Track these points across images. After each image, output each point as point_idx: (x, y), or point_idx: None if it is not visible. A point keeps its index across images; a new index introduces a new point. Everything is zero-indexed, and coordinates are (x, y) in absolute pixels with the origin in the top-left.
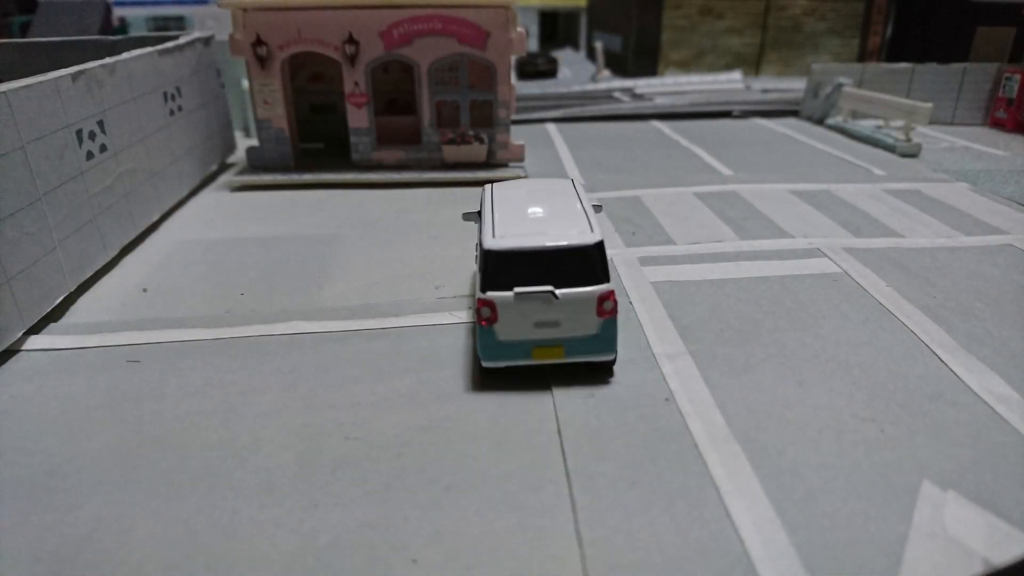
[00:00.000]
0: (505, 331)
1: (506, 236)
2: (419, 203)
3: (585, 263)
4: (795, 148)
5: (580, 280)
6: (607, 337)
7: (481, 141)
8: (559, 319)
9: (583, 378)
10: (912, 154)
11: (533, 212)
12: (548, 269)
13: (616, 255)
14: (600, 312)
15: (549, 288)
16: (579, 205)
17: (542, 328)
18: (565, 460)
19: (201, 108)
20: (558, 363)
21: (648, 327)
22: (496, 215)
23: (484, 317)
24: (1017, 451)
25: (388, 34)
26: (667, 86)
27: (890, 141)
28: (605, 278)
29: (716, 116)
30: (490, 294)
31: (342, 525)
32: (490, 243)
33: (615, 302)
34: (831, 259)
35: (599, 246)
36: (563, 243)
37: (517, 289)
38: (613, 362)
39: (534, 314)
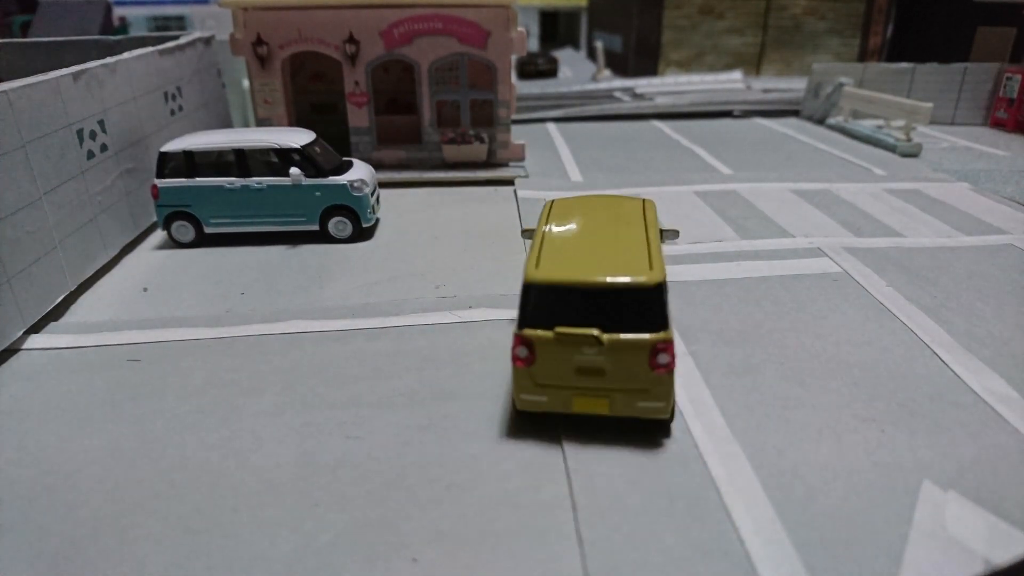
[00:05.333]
0: None
1: None
2: (419, 203)
3: None
4: (796, 148)
5: None
6: None
7: (481, 141)
8: None
9: None
10: (913, 154)
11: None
12: None
13: None
14: None
15: None
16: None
17: None
18: (565, 459)
19: (202, 108)
20: None
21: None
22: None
23: None
24: (1017, 451)
25: (388, 34)
26: (667, 86)
27: (891, 141)
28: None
29: (717, 116)
30: None
31: (342, 524)
32: None
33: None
34: (832, 259)
35: None
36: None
37: None
38: None
39: None
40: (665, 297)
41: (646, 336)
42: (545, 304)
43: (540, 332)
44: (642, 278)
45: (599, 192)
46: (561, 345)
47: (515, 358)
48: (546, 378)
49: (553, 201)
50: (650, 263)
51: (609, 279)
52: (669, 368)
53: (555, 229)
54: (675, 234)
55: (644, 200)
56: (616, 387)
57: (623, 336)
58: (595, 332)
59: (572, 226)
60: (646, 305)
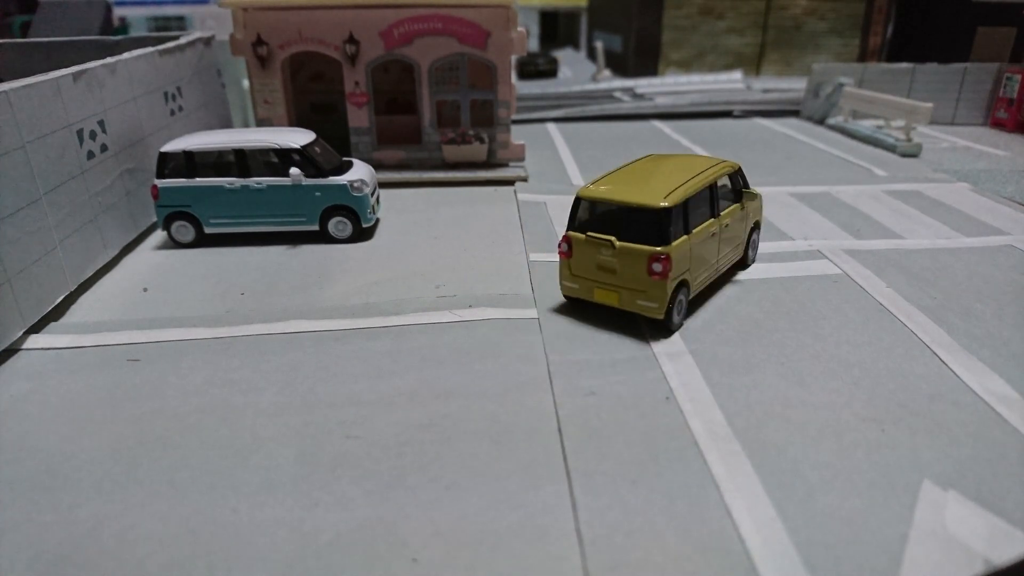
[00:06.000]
0: None
1: None
2: (419, 203)
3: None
4: (796, 148)
5: None
6: None
7: (481, 141)
8: None
9: (584, 377)
10: (913, 154)
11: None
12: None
13: None
14: None
15: None
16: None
17: None
18: (565, 459)
19: (202, 108)
20: None
21: (648, 326)
22: None
23: None
24: (1017, 451)
25: (389, 34)
26: (667, 86)
27: (891, 141)
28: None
29: (717, 116)
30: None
31: (342, 524)
32: None
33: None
34: (831, 261)
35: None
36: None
37: None
38: None
39: None
40: (668, 220)
41: (646, 247)
42: (585, 214)
43: (577, 234)
44: (651, 203)
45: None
46: (589, 245)
47: (560, 251)
48: (578, 270)
49: (650, 154)
50: (668, 195)
51: (627, 200)
52: (662, 275)
53: (629, 168)
54: (753, 196)
55: (726, 161)
56: (623, 285)
57: (630, 244)
58: (611, 238)
59: (643, 168)
60: (651, 223)
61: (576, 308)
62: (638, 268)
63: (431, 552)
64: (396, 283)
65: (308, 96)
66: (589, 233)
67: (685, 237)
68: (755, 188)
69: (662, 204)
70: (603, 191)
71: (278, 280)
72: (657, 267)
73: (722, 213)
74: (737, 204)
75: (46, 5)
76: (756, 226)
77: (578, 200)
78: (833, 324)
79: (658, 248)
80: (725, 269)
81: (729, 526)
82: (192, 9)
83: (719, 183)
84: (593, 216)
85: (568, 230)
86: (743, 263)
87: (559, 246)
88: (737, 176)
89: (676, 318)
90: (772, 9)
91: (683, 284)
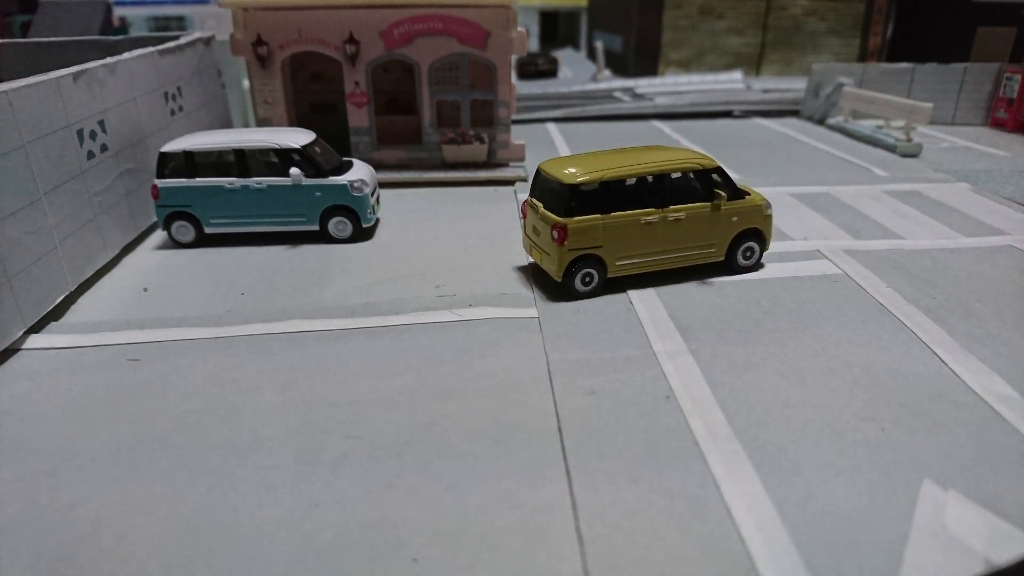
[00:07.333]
0: None
1: None
2: (419, 203)
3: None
4: (796, 148)
5: None
6: None
7: (481, 141)
8: None
9: (584, 376)
10: (913, 154)
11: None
12: None
13: None
14: None
15: None
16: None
17: None
18: (565, 458)
19: (202, 108)
20: None
21: (648, 326)
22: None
23: None
24: (1017, 451)
25: (389, 34)
26: (667, 86)
27: (891, 141)
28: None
29: (717, 116)
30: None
31: (343, 524)
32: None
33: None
34: (831, 261)
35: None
36: None
37: None
38: None
39: None
40: (573, 196)
41: (552, 216)
42: (539, 185)
43: (529, 199)
44: (565, 179)
45: None
46: (532, 210)
47: (522, 213)
48: (527, 230)
49: (654, 145)
50: (582, 176)
51: (554, 174)
52: (559, 242)
53: (606, 151)
54: (729, 197)
55: (699, 159)
56: (541, 246)
57: (546, 212)
58: (540, 205)
59: (610, 152)
60: (561, 197)
61: (576, 307)
62: (547, 233)
63: (431, 552)
64: (396, 283)
65: (308, 96)
66: (532, 199)
67: (596, 216)
68: (755, 189)
69: (570, 182)
70: (547, 166)
71: (278, 280)
72: (555, 234)
73: (672, 207)
74: (706, 203)
75: (46, 5)
76: (754, 233)
77: (537, 172)
78: (833, 324)
79: (559, 219)
80: (685, 264)
81: (729, 525)
82: (192, 9)
83: (674, 176)
84: (541, 186)
85: (528, 196)
86: (729, 267)
87: (521, 208)
88: (707, 175)
89: (581, 286)
90: (772, 9)
91: (591, 258)
